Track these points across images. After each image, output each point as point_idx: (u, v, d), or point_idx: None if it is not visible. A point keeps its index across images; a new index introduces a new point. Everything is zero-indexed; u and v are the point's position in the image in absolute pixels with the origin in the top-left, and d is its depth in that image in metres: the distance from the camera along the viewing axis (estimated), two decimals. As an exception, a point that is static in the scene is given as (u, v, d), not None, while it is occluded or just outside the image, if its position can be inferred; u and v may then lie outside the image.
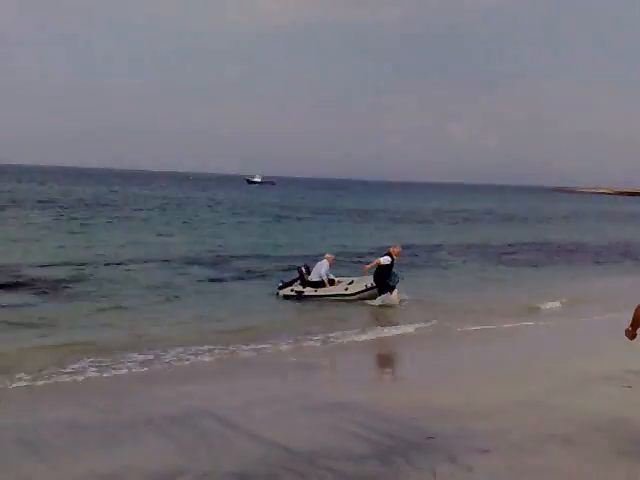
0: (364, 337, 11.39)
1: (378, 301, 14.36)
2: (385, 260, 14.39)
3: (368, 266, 14.75)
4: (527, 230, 40.38)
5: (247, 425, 6.43)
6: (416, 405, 7.10)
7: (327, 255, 15.38)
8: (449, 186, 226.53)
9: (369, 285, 14.55)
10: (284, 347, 10.41)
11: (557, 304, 14.84)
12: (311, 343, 10.78)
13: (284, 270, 18.33)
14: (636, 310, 6.03)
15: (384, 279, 14.41)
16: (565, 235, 36.46)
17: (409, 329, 12.03)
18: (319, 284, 14.81)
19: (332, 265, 15.34)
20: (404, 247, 15.50)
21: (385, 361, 11.07)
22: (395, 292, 14.38)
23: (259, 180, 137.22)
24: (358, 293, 14.57)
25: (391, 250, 14.70)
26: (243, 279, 18.04)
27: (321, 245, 24.31)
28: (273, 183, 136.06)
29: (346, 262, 20.49)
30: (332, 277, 15.12)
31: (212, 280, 17.57)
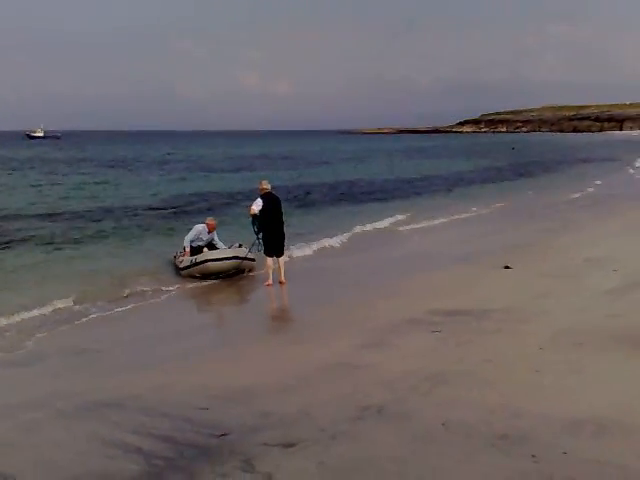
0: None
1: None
2: None
3: None
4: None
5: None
6: (210, 386, 5.87)
7: (207, 220, 12.64)
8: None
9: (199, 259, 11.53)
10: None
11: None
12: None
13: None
14: None
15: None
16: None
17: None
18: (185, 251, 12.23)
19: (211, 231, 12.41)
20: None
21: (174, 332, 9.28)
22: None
23: (41, 135, 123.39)
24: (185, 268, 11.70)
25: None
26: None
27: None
28: (58, 137, 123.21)
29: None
30: (215, 243, 12.33)
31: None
